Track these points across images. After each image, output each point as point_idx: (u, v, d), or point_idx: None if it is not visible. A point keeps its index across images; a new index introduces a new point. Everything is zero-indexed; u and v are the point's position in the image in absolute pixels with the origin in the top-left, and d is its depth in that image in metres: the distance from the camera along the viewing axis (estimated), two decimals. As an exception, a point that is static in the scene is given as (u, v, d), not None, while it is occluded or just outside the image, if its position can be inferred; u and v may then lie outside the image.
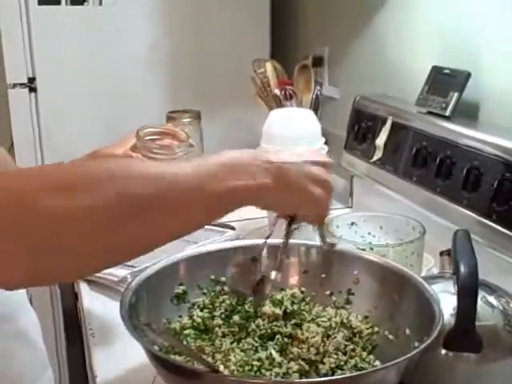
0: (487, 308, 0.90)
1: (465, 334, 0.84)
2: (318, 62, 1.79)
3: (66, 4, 1.93)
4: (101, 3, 1.96)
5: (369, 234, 1.23)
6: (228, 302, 0.99)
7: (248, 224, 1.46)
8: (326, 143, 1.42)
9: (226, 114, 2.06)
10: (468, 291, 0.84)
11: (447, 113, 1.27)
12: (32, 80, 1.97)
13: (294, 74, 1.61)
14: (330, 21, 1.88)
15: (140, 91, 2.01)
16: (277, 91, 1.60)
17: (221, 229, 1.43)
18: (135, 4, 1.99)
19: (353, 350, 0.91)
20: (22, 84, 1.96)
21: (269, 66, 1.61)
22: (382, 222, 1.23)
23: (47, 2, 1.92)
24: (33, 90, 1.97)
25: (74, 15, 1.95)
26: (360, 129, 1.51)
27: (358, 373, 0.84)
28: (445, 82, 1.30)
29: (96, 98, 2.01)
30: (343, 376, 0.84)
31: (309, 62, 1.65)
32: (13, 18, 1.90)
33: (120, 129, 1.76)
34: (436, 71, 1.34)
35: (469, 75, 1.26)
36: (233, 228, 1.46)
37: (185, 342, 0.91)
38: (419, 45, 1.47)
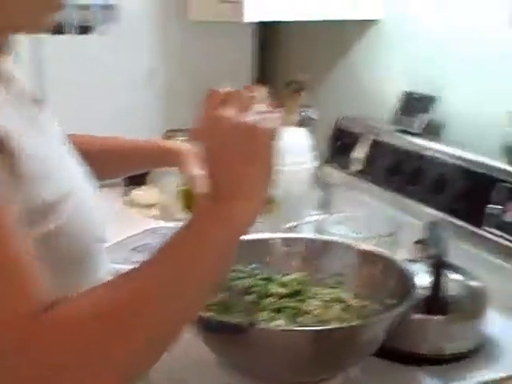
0: (452, 283, 1.14)
1: (435, 300, 1.08)
2: (301, 87, 2.03)
3: (75, 33, 2.15)
4: (104, 34, 2.18)
5: (352, 232, 1.46)
6: (241, 285, 1.21)
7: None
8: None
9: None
10: (439, 267, 1.09)
11: (417, 130, 1.52)
12: (41, 101, 2.17)
13: (284, 97, 1.83)
14: (310, 51, 2.13)
15: (140, 112, 2.23)
16: (267, 113, 1.82)
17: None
18: (135, 35, 2.21)
19: (348, 319, 1.13)
20: (32, 104, 2.15)
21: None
22: (362, 222, 1.46)
23: (58, 33, 2.13)
24: (41, 110, 2.17)
25: (80, 44, 2.17)
26: (341, 144, 1.75)
27: (355, 323, 1.07)
28: (415, 104, 1.55)
29: (99, 118, 2.22)
30: (343, 325, 1.07)
31: (294, 87, 1.88)
32: (27, 45, 2.11)
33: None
34: (407, 95, 1.59)
35: (434, 99, 1.51)
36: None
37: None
38: (391, 72, 1.73)
